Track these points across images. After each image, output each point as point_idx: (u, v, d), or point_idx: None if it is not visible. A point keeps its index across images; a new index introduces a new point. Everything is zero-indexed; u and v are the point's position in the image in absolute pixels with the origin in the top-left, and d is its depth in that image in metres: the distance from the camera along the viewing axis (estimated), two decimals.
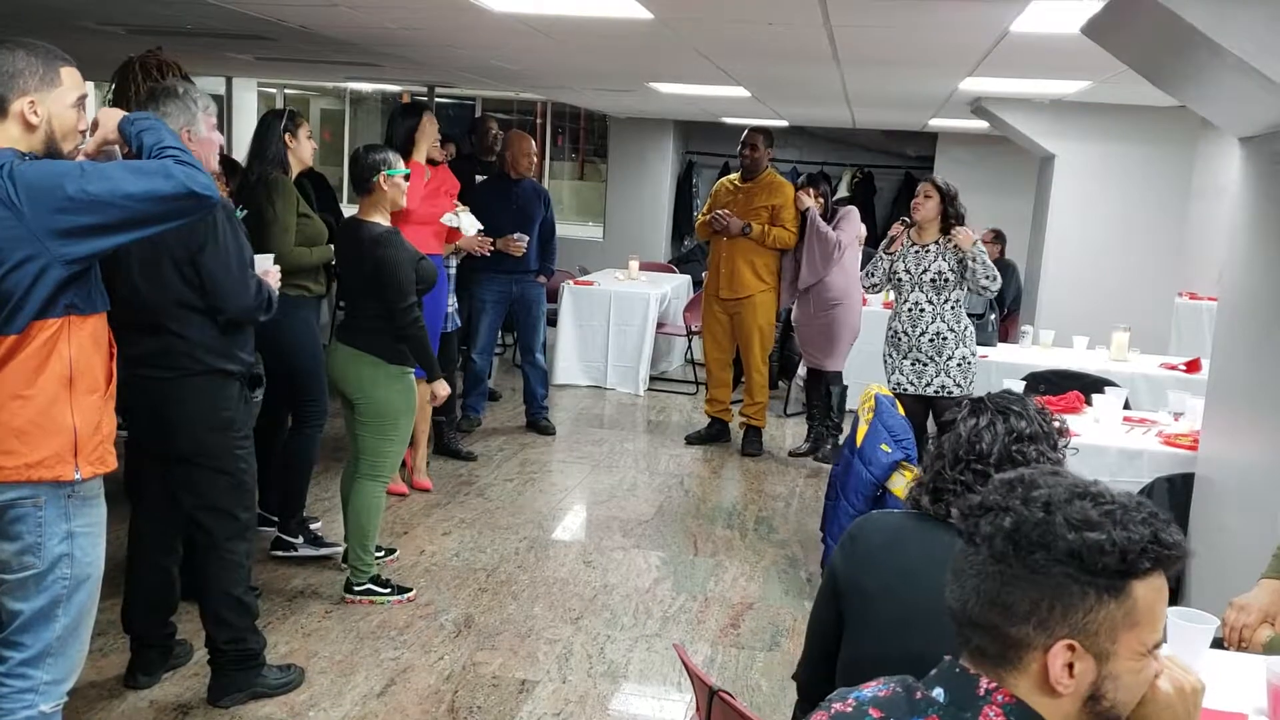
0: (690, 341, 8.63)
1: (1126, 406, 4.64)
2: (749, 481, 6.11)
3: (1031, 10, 3.52)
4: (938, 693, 1.31)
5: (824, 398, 6.51)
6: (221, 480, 3.20)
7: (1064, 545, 1.21)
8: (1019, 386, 4.69)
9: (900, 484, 4.04)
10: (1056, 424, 2.10)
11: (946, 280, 4.98)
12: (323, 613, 4.04)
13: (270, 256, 3.58)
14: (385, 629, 3.94)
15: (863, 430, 4.30)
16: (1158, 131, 6.72)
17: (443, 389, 4.16)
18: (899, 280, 5.12)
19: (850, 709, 1.36)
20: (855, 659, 2.05)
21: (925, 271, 5.01)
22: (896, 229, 5.23)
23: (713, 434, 6.80)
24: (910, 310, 5.07)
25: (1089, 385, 4.83)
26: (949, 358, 5.01)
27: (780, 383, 7.52)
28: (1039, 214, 7.26)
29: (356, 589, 4.12)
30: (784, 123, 11.08)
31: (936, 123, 9.67)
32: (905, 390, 5.07)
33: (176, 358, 3.10)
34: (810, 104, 8.52)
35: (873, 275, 5.24)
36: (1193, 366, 5.64)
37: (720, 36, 4.75)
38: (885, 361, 5.22)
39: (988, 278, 4.92)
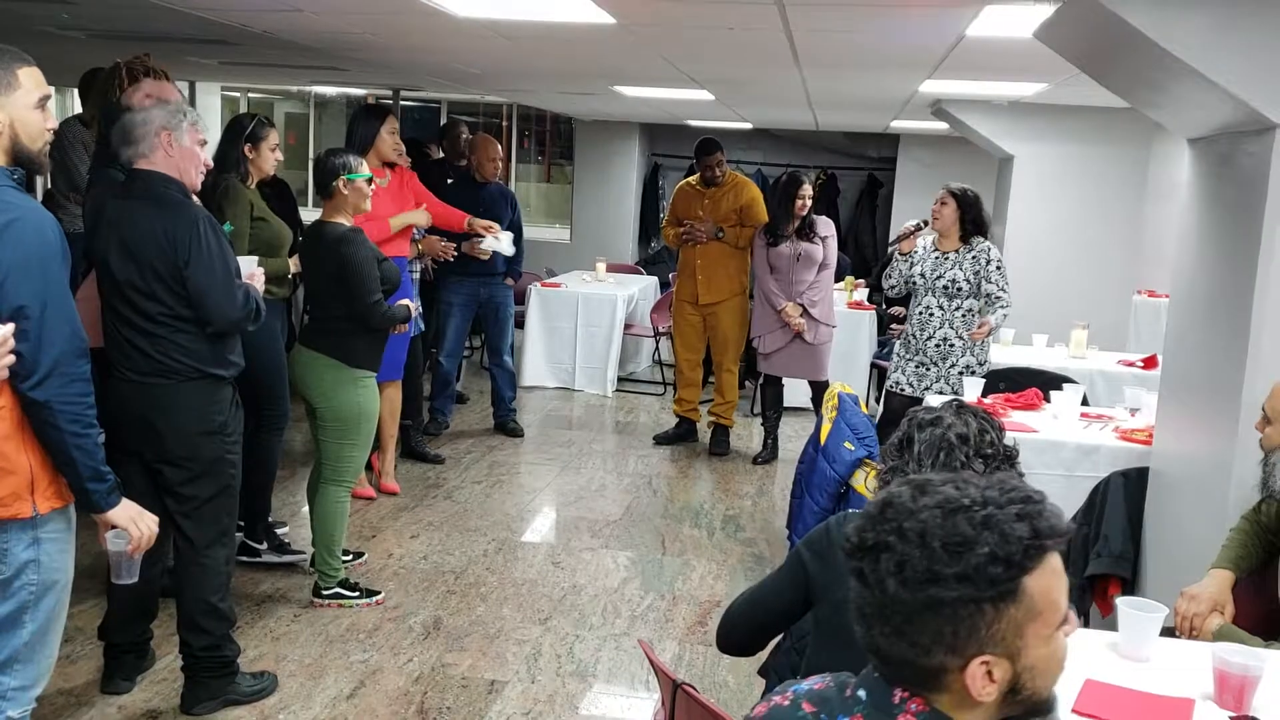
0: (658, 342, 8.67)
1: (1085, 403, 4.72)
2: (716, 481, 6.16)
3: (986, 15, 3.59)
4: (862, 693, 1.33)
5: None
6: (208, 485, 3.19)
7: (951, 573, 1.22)
8: (979, 384, 4.77)
9: (863, 480, 4.10)
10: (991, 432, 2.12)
11: (959, 289, 5.01)
12: (291, 617, 4.05)
13: (254, 259, 3.57)
14: (354, 632, 3.95)
15: (826, 428, 4.35)
16: (1114, 132, 6.84)
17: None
18: (914, 284, 5.15)
19: (788, 702, 1.39)
20: (823, 668, 2.05)
21: (940, 278, 5.04)
22: (908, 227, 5.25)
23: (681, 434, 6.85)
24: (920, 314, 5.11)
25: (1048, 382, 4.89)
26: (953, 364, 5.06)
27: (748, 383, 7.57)
28: (999, 214, 7.36)
29: (325, 593, 4.13)
30: (747, 125, 11.15)
31: (898, 124, 9.78)
32: (902, 391, 5.13)
33: (167, 365, 3.09)
34: (773, 106, 8.59)
35: (890, 277, 5.27)
36: (1150, 363, 5.72)
37: (682, 40, 4.79)
38: (894, 359, 5.28)
39: (1001, 309, 5.03)
